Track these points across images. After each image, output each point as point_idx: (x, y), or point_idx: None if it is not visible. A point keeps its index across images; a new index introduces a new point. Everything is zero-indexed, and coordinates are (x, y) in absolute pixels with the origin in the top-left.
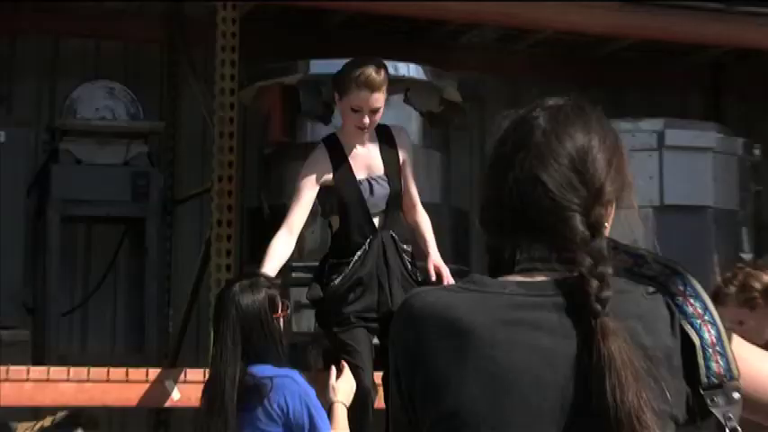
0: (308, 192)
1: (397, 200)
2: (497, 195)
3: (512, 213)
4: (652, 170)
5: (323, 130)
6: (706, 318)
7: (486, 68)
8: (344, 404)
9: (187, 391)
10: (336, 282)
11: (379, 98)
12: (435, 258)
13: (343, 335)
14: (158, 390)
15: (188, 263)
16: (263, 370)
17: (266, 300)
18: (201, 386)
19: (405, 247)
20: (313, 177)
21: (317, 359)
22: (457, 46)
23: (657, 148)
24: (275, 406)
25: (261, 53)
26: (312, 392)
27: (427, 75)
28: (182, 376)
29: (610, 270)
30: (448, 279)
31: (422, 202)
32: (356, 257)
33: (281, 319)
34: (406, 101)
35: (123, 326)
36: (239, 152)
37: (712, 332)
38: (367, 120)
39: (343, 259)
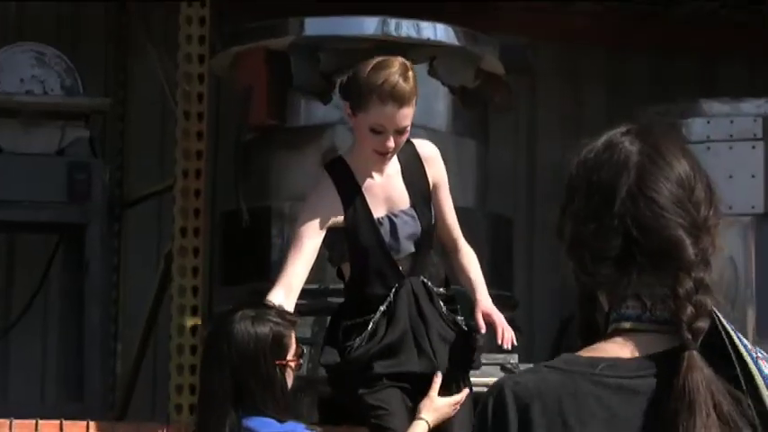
0: (311, 240)
1: (428, 239)
2: (598, 227)
3: (618, 241)
4: (754, 166)
5: (321, 111)
6: None
7: (538, 32)
8: None
9: None
10: (357, 346)
11: (407, 114)
12: (485, 305)
13: (372, 396)
14: None
15: (141, 284)
16: (262, 425)
17: (270, 338)
18: None
19: (440, 290)
20: (317, 221)
21: (310, 409)
22: (499, 2)
23: (763, 137)
24: None
25: (240, 8)
26: None
27: (459, 39)
28: (132, 431)
29: (710, 302)
30: (502, 327)
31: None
32: (378, 314)
33: (288, 369)
34: (432, 72)
35: (56, 365)
36: (210, 139)
37: None
38: (392, 143)
39: (360, 318)
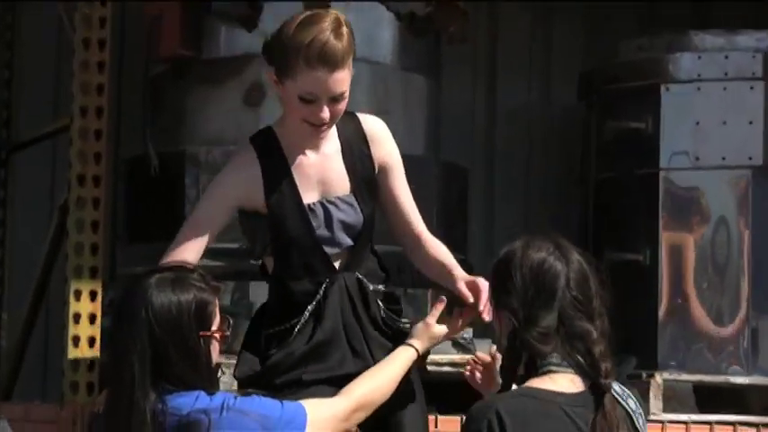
0: (212, 209)
1: (369, 231)
2: (544, 314)
3: (554, 324)
4: (753, 111)
5: (244, 40)
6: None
7: None
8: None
9: None
10: (275, 354)
11: (342, 78)
12: (464, 275)
13: (296, 396)
14: None
15: (30, 240)
16: (189, 400)
17: (193, 305)
18: (52, 428)
19: (379, 287)
20: (227, 193)
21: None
22: None
23: (763, 76)
24: None
25: None
26: (274, 410)
27: None
28: (20, 413)
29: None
30: (486, 295)
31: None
32: (306, 315)
33: (215, 342)
34: None
35: None
36: (114, 72)
37: None
38: (326, 113)
39: (286, 322)
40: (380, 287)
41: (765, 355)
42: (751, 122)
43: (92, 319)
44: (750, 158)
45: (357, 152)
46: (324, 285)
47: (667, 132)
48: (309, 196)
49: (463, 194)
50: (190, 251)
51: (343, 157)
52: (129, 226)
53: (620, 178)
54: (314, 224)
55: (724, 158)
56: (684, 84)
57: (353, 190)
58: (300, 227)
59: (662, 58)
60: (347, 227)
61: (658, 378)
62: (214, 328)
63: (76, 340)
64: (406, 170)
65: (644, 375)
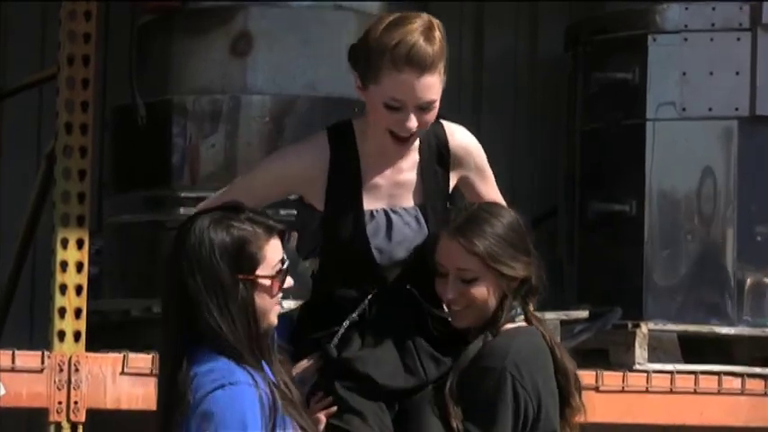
0: (267, 181)
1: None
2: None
3: None
4: (740, 62)
5: None
6: None
7: None
8: None
9: (16, 383)
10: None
11: (431, 84)
12: None
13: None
14: None
15: (16, 189)
16: (208, 375)
17: (229, 242)
18: (39, 377)
19: (434, 310)
20: (288, 170)
21: None
22: None
23: (750, 27)
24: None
25: None
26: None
27: None
28: (7, 361)
29: None
30: None
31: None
32: (344, 326)
33: (259, 289)
34: None
35: None
36: (101, 21)
37: None
38: (413, 122)
39: (326, 329)
40: (436, 311)
41: (750, 305)
42: (738, 73)
43: (79, 267)
44: (736, 109)
45: (436, 169)
46: (369, 296)
47: (654, 83)
48: (373, 203)
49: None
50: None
51: (420, 172)
52: (115, 175)
53: (606, 129)
54: (370, 231)
55: (710, 109)
56: (671, 34)
57: (422, 204)
58: (353, 232)
59: (649, 9)
60: (407, 239)
61: (644, 328)
62: (261, 272)
63: (63, 288)
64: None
65: (629, 326)
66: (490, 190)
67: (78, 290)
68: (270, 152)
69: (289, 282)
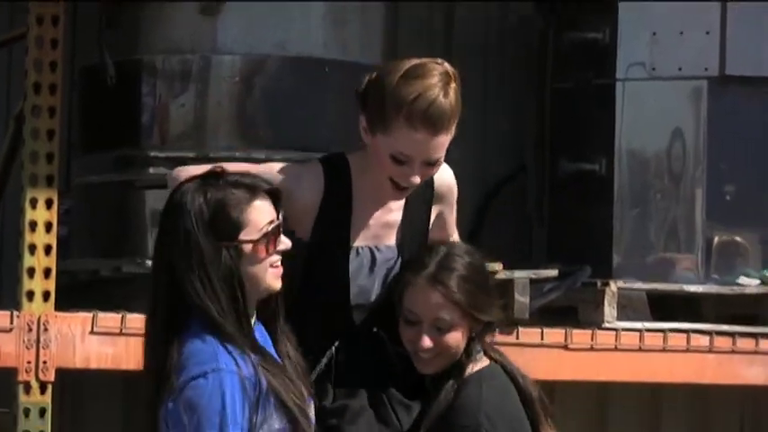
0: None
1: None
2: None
3: None
4: (710, 22)
5: None
6: None
7: None
8: None
9: None
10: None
11: (443, 143)
12: None
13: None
14: None
15: None
16: (196, 355)
17: (209, 211)
18: (8, 336)
19: (400, 350)
20: (282, 182)
21: None
22: None
23: None
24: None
25: None
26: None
27: None
28: None
29: None
30: None
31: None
32: (316, 372)
33: (247, 254)
34: None
35: None
36: None
37: None
38: (417, 178)
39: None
40: (402, 350)
41: (719, 264)
42: (708, 33)
43: (48, 227)
44: (706, 69)
45: (419, 210)
46: (336, 344)
47: (624, 43)
48: (360, 240)
49: None
50: None
51: (404, 212)
52: (84, 135)
53: (576, 88)
54: (353, 267)
55: (680, 69)
56: None
57: (401, 242)
58: (336, 265)
59: None
60: (386, 276)
61: (613, 286)
62: (246, 236)
63: (32, 248)
64: (359, 76)
65: (599, 284)
66: (453, 223)
67: (47, 250)
68: (240, 112)
69: (285, 243)
